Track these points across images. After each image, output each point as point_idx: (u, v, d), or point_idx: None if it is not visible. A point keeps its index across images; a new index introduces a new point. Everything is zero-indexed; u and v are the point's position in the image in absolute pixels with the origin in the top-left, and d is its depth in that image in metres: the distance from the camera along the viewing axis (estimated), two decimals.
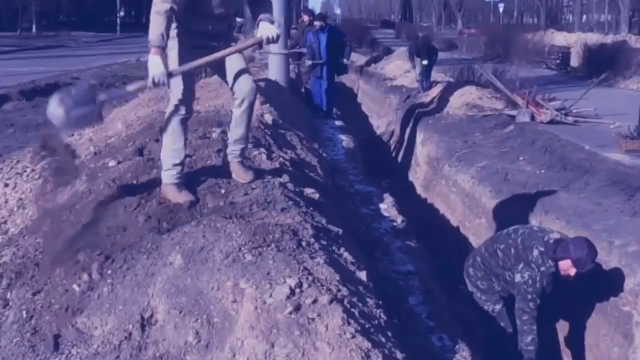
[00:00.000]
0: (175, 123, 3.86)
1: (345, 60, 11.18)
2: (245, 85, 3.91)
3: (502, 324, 5.18)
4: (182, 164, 3.92)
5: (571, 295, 5.55)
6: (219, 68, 3.98)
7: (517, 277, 4.78)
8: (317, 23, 10.90)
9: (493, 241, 5.18)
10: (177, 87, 3.79)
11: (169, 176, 3.87)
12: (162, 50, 3.53)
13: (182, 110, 3.84)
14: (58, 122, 3.29)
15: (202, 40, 3.83)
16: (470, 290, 5.35)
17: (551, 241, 4.74)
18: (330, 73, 11.05)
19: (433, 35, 30.01)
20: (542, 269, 4.69)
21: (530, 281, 4.70)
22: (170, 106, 3.86)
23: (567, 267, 4.66)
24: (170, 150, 3.89)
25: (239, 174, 4.08)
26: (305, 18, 12.14)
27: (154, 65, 3.50)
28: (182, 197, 3.78)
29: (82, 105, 3.32)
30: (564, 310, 5.64)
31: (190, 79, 3.85)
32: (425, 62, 14.40)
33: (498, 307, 5.20)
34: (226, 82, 4.00)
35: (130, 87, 3.84)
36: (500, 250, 4.99)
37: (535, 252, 4.73)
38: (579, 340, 5.45)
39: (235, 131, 4.08)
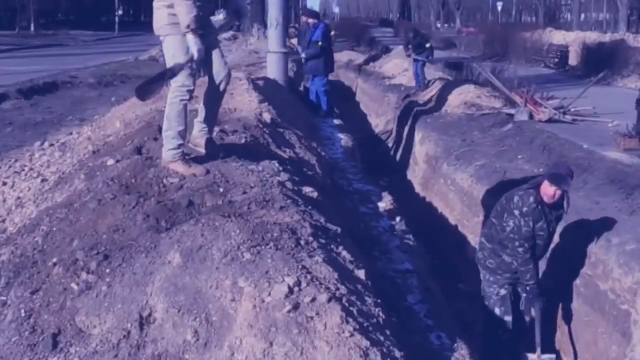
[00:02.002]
0: (180, 107, 4.19)
1: (302, 54, 11.01)
2: (223, 70, 4.38)
3: (502, 308, 5.19)
4: (184, 143, 4.31)
5: (569, 292, 5.57)
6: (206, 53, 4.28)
7: (506, 229, 5.00)
8: (310, 21, 10.93)
9: (488, 217, 5.38)
10: (187, 75, 4.12)
11: (174, 155, 4.20)
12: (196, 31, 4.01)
13: (188, 96, 4.17)
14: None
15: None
16: (481, 276, 5.35)
17: (529, 183, 5.09)
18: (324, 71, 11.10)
19: (432, 33, 30.04)
20: (525, 209, 4.88)
21: (515, 228, 4.92)
22: (177, 91, 4.16)
23: (546, 189, 4.87)
24: (177, 133, 4.22)
25: (212, 149, 4.42)
26: (304, 19, 12.29)
27: (196, 44, 4.00)
28: (195, 169, 4.13)
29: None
30: (562, 307, 5.65)
31: (192, 65, 4.14)
32: (428, 44, 14.38)
33: (503, 291, 5.21)
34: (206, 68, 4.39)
35: (183, 59, 4.14)
36: (494, 218, 5.19)
37: (516, 198, 4.97)
38: (577, 338, 5.47)
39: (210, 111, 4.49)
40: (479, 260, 5.35)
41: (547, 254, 5.44)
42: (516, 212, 4.90)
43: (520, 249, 4.92)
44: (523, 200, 4.90)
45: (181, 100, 4.18)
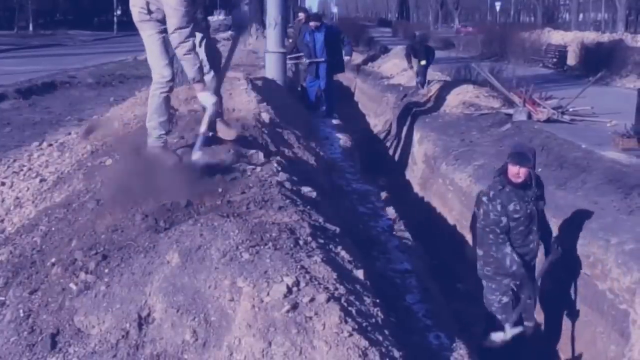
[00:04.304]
0: (161, 99, 4.33)
1: (346, 58, 11.23)
2: (210, 51, 4.54)
3: (503, 316, 5.14)
4: (168, 132, 4.48)
5: (568, 291, 5.58)
6: None
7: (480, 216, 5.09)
8: (312, 23, 10.88)
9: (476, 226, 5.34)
10: (164, 66, 4.26)
11: (156, 140, 4.39)
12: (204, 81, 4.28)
13: (168, 87, 4.31)
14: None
15: None
16: (484, 288, 5.30)
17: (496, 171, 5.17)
18: (327, 72, 11.04)
19: (430, 33, 30.01)
20: (492, 193, 4.96)
21: (484, 215, 4.99)
22: (157, 84, 4.31)
23: (510, 170, 4.94)
24: (158, 123, 4.37)
25: (225, 132, 4.56)
26: (301, 16, 12.17)
27: (207, 98, 4.28)
28: (169, 158, 4.29)
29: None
30: (560, 306, 5.66)
31: (169, 57, 4.30)
32: (423, 62, 14.39)
33: (505, 299, 5.13)
34: None
35: (203, 129, 4.33)
36: (478, 223, 5.21)
37: (484, 189, 5.14)
38: (576, 337, 5.47)
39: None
40: (479, 272, 5.28)
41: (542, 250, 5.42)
42: (484, 199, 4.98)
43: (491, 235, 4.91)
44: (490, 187, 5.02)
45: (161, 92, 4.33)
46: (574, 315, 5.52)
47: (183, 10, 4.03)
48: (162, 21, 4.23)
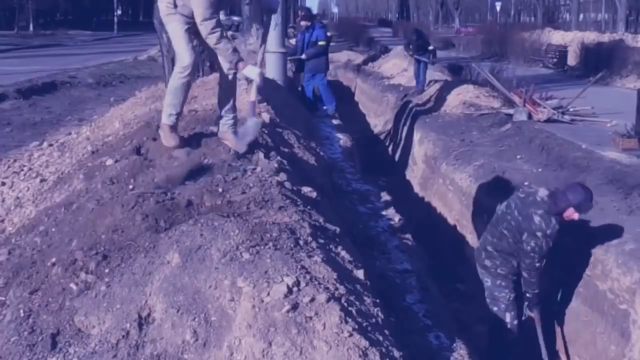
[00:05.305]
0: (179, 83, 4.57)
1: (303, 56, 11.19)
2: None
3: (512, 312, 5.21)
4: (179, 113, 4.68)
5: (568, 292, 5.58)
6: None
7: (525, 246, 4.96)
8: (302, 23, 11.00)
9: (494, 225, 5.27)
10: (184, 54, 4.46)
11: (167, 118, 4.61)
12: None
13: (186, 73, 4.52)
14: None
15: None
16: (486, 282, 5.33)
17: (545, 198, 4.95)
18: (315, 70, 11.19)
19: (430, 33, 30.00)
20: (548, 231, 4.86)
21: (537, 248, 4.90)
22: (177, 68, 4.54)
23: (570, 213, 4.93)
24: (172, 103, 4.62)
25: (234, 144, 4.66)
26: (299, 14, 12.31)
27: (253, 70, 4.53)
28: (171, 139, 4.55)
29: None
30: (561, 307, 5.66)
31: (195, 48, 4.54)
32: (431, 47, 14.37)
33: (513, 295, 5.23)
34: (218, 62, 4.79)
35: (252, 98, 4.70)
36: (504, 229, 5.12)
37: (537, 219, 4.89)
38: (576, 337, 5.47)
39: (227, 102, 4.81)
40: (487, 269, 5.28)
41: None
42: (539, 234, 4.86)
43: (537, 264, 4.95)
44: (545, 222, 4.86)
45: (180, 77, 4.54)
46: (573, 315, 5.53)
47: (207, 2, 4.24)
48: (188, 16, 4.45)
